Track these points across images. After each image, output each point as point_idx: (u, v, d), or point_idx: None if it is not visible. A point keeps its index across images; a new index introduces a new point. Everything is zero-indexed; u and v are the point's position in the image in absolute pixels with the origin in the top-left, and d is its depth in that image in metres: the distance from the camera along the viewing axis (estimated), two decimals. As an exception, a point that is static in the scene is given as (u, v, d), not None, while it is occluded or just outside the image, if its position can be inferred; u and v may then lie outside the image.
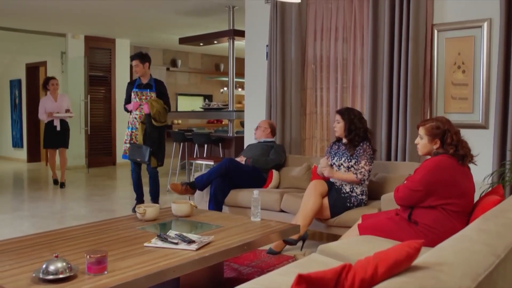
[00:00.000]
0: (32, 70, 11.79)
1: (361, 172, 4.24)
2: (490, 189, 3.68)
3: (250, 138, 6.44)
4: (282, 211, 4.66)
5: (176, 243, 2.85)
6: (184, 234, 3.00)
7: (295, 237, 4.23)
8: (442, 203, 3.03)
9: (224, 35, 7.74)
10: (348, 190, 4.32)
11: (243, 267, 3.87)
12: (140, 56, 5.96)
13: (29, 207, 6.57)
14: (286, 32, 5.91)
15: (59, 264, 2.31)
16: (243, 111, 6.74)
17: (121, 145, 10.79)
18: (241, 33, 7.19)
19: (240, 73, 7.08)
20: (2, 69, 12.41)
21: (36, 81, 11.80)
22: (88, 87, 9.91)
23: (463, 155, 3.16)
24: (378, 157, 5.08)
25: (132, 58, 6.01)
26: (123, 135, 10.77)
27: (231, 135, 7.56)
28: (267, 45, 6.12)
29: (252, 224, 3.46)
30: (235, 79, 7.86)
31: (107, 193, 7.52)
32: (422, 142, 3.31)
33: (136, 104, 5.89)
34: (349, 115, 4.41)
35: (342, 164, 4.36)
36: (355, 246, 2.65)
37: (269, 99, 6.01)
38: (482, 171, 4.43)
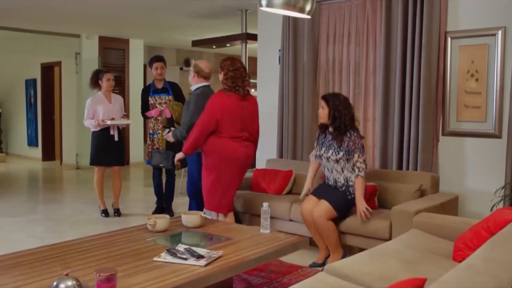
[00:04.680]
0: (47, 69, 11.91)
1: (359, 168, 4.09)
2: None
3: (262, 142, 6.43)
4: (292, 220, 4.67)
5: (185, 258, 2.87)
6: (193, 248, 3.02)
7: (319, 260, 4.27)
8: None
9: (236, 38, 7.74)
10: (343, 181, 4.20)
11: (252, 277, 3.89)
12: (164, 60, 6.00)
13: (43, 209, 6.65)
14: (298, 37, 5.90)
15: (69, 283, 2.34)
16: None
17: (134, 145, 10.97)
18: (253, 37, 7.19)
19: (253, 72, 7.07)
20: (18, 69, 12.54)
21: (51, 80, 11.93)
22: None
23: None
24: (389, 165, 5.06)
25: (159, 59, 5.96)
26: (136, 135, 10.96)
27: (243, 138, 7.56)
28: (279, 50, 6.11)
29: (262, 237, 3.47)
30: (247, 81, 7.85)
31: (120, 195, 7.53)
32: None
33: (158, 110, 5.91)
34: (334, 101, 4.17)
35: (330, 157, 4.21)
36: (361, 265, 2.65)
37: (281, 103, 6.01)
38: (494, 183, 4.41)
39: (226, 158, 4.20)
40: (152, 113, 5.93)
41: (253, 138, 4.39)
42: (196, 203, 5.02)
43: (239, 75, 4.23)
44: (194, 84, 4.96)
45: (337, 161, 4.18)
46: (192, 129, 4.26)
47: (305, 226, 4.52)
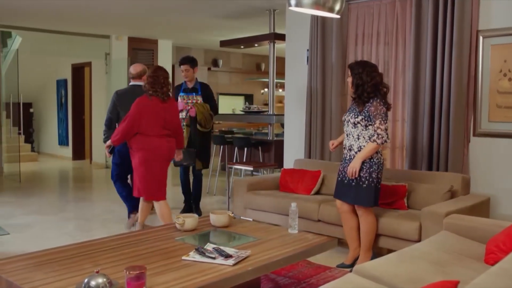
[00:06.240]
0: (78, 70, 12.10)
1: (379, 135, 3.91)
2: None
3: (290, 142, 6.44)
4: (320, 220, 4.65)
5: (214, 258, 2.88)
6: (222, 247, 3.03)
7: (348, 261, 4.24)
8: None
9: (264, 38, 7.73)
10: (356, 150, 4.04)
11: (280, 278, 3.88)
12: (191, 61, 5.98)
13: (74, 208, 6.76)
14: (327, 36, 5.87)
15: (100, 280, 2.38)
16: (283, 114, 6.73)
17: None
18: (281, 37, 7.18)
19: (281, 72, 7.10)
20: (49, 69, 12.77)
21: (81, 81, 12.12)
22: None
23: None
24: (418, 166, 5.00)
25: (183, 62, 5.96)
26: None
27: (271, 138, 7.57)
28: (307, 49, 6.09)
29: (290, 237, 3.46)
30: (275, 80, 7.85)
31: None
32: None
33: (181, 104, 5.93)
34: (358, 68, 4.05)
35: (349, 120, 4.08)
36: (391, 267, 2.62)
37: (309, 103, 5.99)
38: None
39: (153, 153, 4.70)
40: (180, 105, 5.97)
41: (174, 134, 4.90)
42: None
43: (158, 82, 4.72)
44: None
45: (354, 124, 4.04)
46: (122, 124, 4.76)
47: (333, 227, 4.51)
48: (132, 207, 5.51)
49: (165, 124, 4.76)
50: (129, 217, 5.55)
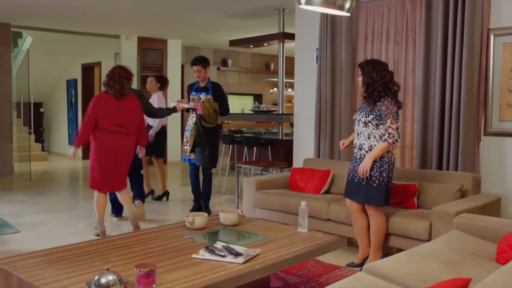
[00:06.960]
0: (87, 70, 12.15)
1: (390, 134, 3.89)
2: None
3: (299, 141, 6.43)
4: (329, 220, 4.64)
5: (223, 256, 2.88)
6: (231, 246, 3.03)
7: (357, 260, 4.23)
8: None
9: (274, 38, 7.74)
10: (367, 149, 4.02)
11: (289, 276, 3.88)
12: (202, 61, 5.97)
13: (84, 206, 6.78)
14: (336, 36, 5.86)
15: (110, 277, 2.39)
16: (292, 114, 6.73)
17: (173, 145, 11.06)
18: (291, 36, 7.18)
19: (290, 72, 7.09)
20: (59, 69, 12.83)
21: (91, 80, 12.17)
22: (140, 87, 10.11)
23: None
24: (428, 165, 4.98)
25: (195, 63, 5.96)
26: (173, 135, 11.06)
27: (280, 138, 7.57)
28: (317, 49, 6.08)
29: (299, 236, 3.46)
30: (285, 79, 7.85)
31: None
32: None
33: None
34: (368, 67, 4.03)
35: (360, 119, 4.06)
36: (401, 266, 2.61)
37: (319, 103, 5.97)
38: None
39: (102, 147, 4.91)
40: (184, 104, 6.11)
41: (133, 132, 5.05)
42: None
43: (113, 79, 4.93)
44: None
45: (365, 124, 4.02)
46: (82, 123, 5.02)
47: (342, 226, 4.50)
48: (115, 209, 5.99)
49: (120, 121, 4.92)
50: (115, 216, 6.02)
